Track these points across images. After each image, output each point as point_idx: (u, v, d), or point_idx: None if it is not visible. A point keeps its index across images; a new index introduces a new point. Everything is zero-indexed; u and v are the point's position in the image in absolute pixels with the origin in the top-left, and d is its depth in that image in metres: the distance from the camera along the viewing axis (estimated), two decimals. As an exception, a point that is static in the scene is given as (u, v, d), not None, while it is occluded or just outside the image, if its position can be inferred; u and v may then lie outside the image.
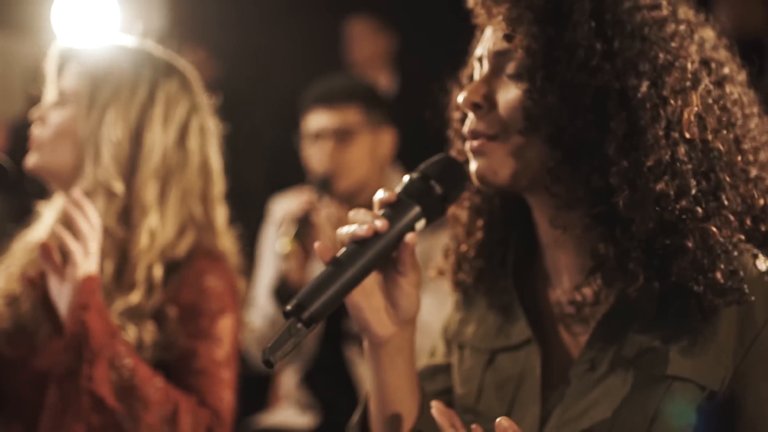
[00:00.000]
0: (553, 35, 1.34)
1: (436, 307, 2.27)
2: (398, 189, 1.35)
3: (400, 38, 5.77)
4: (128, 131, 1.98)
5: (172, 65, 2.08)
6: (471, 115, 1.42)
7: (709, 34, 1.42)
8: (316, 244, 1.30)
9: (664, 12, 1.37)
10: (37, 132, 2.03)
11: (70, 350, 1.79)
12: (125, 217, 1.98)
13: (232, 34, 5.52)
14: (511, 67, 1.38)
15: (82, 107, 1.99)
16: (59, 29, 4.43)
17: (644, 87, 1.31)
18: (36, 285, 1.90)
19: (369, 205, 3.04)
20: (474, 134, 1.41)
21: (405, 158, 3.35)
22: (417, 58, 5.57)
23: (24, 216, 2.20)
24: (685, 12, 1.41)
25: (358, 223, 1.30)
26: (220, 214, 2.11)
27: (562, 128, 1.33)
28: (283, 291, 3.08)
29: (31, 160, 2.03)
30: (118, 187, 1.96)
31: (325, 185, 3.06)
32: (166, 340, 1.94)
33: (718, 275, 1.30)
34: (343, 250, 1.28)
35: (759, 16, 4.75)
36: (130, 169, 1.98)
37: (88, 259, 1.80)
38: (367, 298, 1.35)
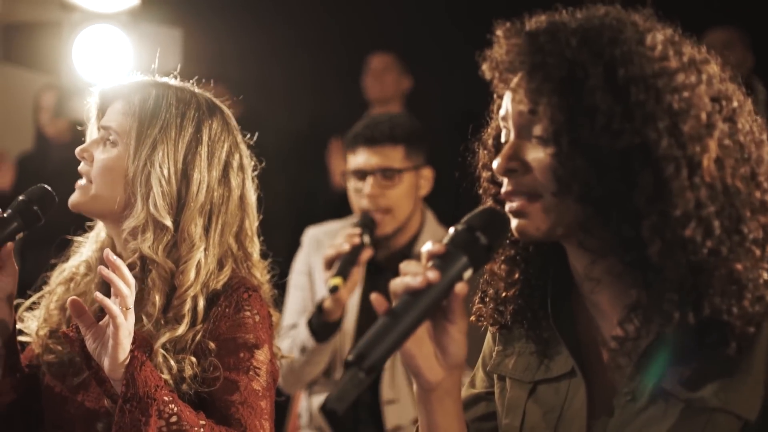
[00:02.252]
0: (573, 102, 1.38)
1: None
2: (445, 240, 1.41)
3: (413, 78, 5.84)
4: (176, 169, 2.03)
5: (214, 103, 2.13)
6: (506, 180, 1.48)
7: (713, 69, 1.46)
8: (373, 296, 1.37)
9: (673, 63, 1.41)
10: (84, 169, 2.07)
11: (130, 411, 1.83)
12: (173, 251, 2.03)
13: (250, 69, 5.57)
14: (537, 130, 1.44)
15: (129, 145, 2.03)
16: (74, 66, 4.47)
17: (665, 140, 1.36)
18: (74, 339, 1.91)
19: (407, 247, 3.12)
20: (510, 195, 1.47)
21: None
22: (429, 98, 5.64)
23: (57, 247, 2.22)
24: (689, 52, 1.45)
25: (410, 275, 1.36)
26: (255, 246, 2.16)
27: (591, 187, 1.38)
28: (316, 320, 3.10)
29: (77, 196, 2.07)
30: (168, 222, 2.01)
31: (368, 223, 3.10)
32: (205, 373, 1.98)
33: (746, 304, 1.37)
34: (398, 300, 1.35)
35: (742, 60, 4.82)
36: (178, 205, 2.03)
37: (128, 319, 1.84)
38: (419, 346, 1.41)
